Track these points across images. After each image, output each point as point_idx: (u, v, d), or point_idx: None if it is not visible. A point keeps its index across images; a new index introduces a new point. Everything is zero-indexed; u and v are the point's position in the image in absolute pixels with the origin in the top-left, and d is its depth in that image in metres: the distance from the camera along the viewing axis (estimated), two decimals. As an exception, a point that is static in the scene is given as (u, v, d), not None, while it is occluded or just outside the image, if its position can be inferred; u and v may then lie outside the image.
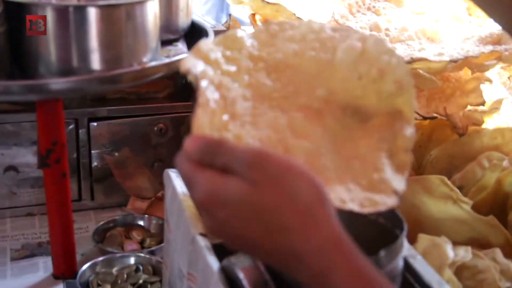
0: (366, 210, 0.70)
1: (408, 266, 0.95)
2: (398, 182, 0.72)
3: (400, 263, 0.87)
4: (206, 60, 0.72)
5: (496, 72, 1.50)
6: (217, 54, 0.73)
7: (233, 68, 0.73)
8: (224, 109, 0.69)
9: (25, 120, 1.41)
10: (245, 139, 0.68)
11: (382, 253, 0.82)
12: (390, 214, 0.92)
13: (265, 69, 0.75)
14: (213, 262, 0.80)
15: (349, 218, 0.96)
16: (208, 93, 0.69)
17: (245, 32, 0.78)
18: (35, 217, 1.44)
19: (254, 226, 0.62)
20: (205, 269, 0.82)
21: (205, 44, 0.73)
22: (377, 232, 0.93)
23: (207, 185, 0.62)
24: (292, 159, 0.66)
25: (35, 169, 1.43)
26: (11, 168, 1.43)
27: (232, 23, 1.53)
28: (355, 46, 0.76)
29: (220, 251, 0.82)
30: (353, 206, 0.69)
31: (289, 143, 0.70)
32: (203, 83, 0.69)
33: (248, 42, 0.76)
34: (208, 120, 0.67)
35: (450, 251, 1.03)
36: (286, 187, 0.61)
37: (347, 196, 0.69)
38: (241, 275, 0.75)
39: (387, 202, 0.70)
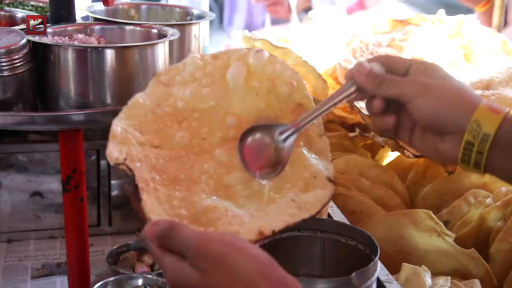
0: (304, 215, 0.79)
1: (384, 290, 1.04)
2: (327, 169, 0.81)
3: (373, 285, 0.96)
4: (124, 141, 0.81)
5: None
6: (128, 129, 0.82)
7: (147, 136, 0.82)
8: (162, 182, 0.79)
9: (52, 150, 1.53)
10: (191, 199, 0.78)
11: (354, 274, 0.91)
12: (368, 242, 1.01)
13: (175, 121, 0.83)
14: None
15: (333, 244, 1.05)
16: (143, 173, 0.78)
17: (142, 94, 0.86)
18: (57, 240, 1.56)
19: None
20: None
21: (115, 125, 0.82)
22: (356, 257, 1.02)
23: (170, 271, 0.74)
24: (230, 235, 0.76)
25: (59, 196, 1.55)
26: (37, 193, 1.55)
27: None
28: (239, 69, 0.85)
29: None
30: (291, 221, 0.78)
31: (224, 182, 0.80)
32: (136, 165, 0.78)
33: (147, 103, 0.84)
34: (154, 201, 0.77)
35: (428, 279, 1.11)
36: (229, 267, 0.70)
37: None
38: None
39: (327, 193, 0.79)
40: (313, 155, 0.82)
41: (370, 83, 0.86)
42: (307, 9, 3.40)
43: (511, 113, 0.84)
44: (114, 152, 0.78)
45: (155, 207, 0.76)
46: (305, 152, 0.82)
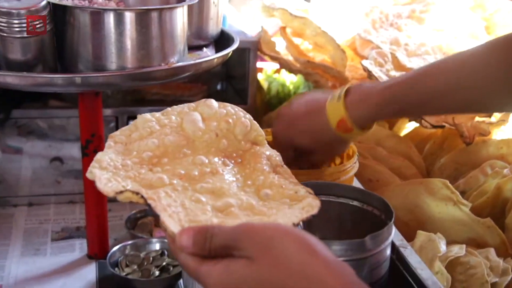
0: (312, 212, 0.78)
1: (398, 255, 1.05)
2: (302, 187, 0.83)
3: (387, 249, 0.96)
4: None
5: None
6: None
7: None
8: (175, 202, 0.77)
9: (72, 116, 1.54)
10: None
11: (368, 237, 0.92)
12: (384, 207, 1.02)
13: (147, 169, 0.81)
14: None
15: (351, 211, 1.06)
16: (162, 200, 0.75)
17: (102, 153, 0.82)
18: (76, 205, 1.57)
19: None
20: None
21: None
22: (372, 222, 1.03)
23: (214, 280, 0.67)
24: (273, 222, 0.74)
25: (79, 162, 1.56)
26: (57, 159, 1.57)
27: (263, 34, 1.65)
28: (195, 116, 0.87)
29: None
30: (303, 217, 0.77)
31: (218, 207, 0.78)
32: (154, 198, 0.75)
33: (113, 157, 0.82)
34: (176, 220, 0.74)
35: (442, 246, 1.11)
36: (278, 249, 0.65)
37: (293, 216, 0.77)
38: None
39: (316, 201, 0.79)
40: (282, 180, 0.84)
41: None
42: None
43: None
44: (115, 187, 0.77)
45: (177, 224, 0.73)
46: (276, 177, 0.84)
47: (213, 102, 0.90)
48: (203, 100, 0.90)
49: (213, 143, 0.86)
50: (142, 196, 0.75)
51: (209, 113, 0.89)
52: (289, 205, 0.79)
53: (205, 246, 0.69)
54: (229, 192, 0.80)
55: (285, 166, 0.87)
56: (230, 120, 0.88)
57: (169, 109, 0.89)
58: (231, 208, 0.78)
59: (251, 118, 0.90)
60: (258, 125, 0.90)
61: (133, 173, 0.80)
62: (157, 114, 0.88)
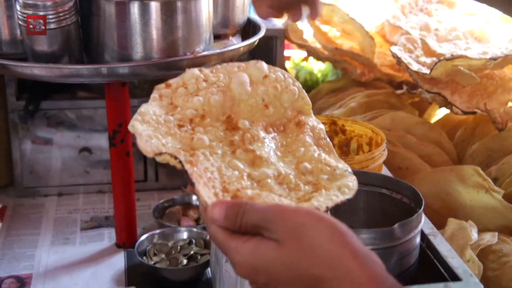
0: (348, 195, 0.76)
1: (428, 243, 1.03)
2: (341, 163, 0.81)
3: (417, 237, 0.95)
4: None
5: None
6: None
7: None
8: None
9: (100, 106, 1.55)
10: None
11: (397, 225, 0.91)
12: (413, 195, 1.00)
13: (189, 125, 0.80)
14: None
15: (379, 199, 1.05)
16: (200, 163, 0.75)
17: (147, 105, 0.81)
18: (105, 194, 1.59)
19: (291, 283, 0.65)
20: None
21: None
22: (401, 210, 1.01)
23: (241, 258, 0.67)
24: (306, 207, 0.71)
25: (107, 152, 1.57)
26: (86, 149, 1.58)
27: (290, 22, 1.63)
28: (244, 77, 0.85)
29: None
30: (338, 200, 0.75)
31: (255, 177, 0.77)
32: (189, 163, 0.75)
33: (157, 112, 0.80)
34: (210, 188, 0.73)
35: (474, 234, 1.09)
36: (306, 238, 0.65)
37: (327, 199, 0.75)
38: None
39: (354, 182, 0.77)
40: (323, 153, 0.82)
41: None
42: None
43: None
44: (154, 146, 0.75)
45: (212, 195, 0.73)
46: (316, 149, 0.82)
47: (264, 65, 0.87)
48: (254, 61, 0.88)
49: (258, 108, 0.85)
50: (180, 161, 0.75)
51: (258, 76, 0.86)
52: (325, 182, 0.78)
53: (236, 222, 0.68)
54: (267, 161, 0.79)
55: (327, 139, 0.85)
56: (278, 86, 0.86)
57: (218, 66, 0.87)
58: (267, 180, 0.77)
59: (300, 86, 0.87)
60: (306, 94, 0.87)
61: (174, 130, 0.79)
62: (206, 70, 0.86)
